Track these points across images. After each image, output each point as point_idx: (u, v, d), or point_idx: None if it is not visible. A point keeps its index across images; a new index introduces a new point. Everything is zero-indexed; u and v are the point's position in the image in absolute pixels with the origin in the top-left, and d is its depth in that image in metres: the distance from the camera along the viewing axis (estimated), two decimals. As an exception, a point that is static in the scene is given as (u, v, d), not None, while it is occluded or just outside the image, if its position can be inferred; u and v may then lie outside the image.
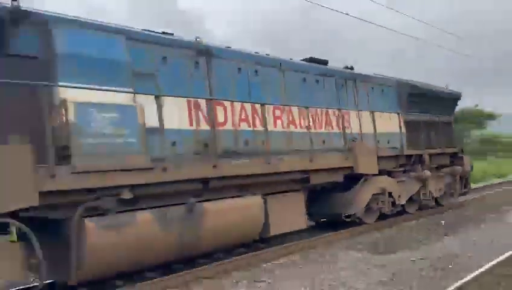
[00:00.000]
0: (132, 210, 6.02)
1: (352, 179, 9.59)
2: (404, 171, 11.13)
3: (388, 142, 10.70)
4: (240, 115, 7.57)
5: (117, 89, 5.92)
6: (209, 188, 6.94)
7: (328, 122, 9.24)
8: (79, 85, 5.56)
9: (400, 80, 11.81)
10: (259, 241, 8.33)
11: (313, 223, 10.21)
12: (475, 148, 32.12)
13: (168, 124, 6.42)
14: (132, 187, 5.87)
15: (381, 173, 10.13)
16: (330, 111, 9.30)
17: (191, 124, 6.82)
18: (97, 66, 5.81)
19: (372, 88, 10.80)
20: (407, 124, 11.42)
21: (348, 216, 9.64)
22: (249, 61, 8.04)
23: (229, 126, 7.35)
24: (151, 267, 6.47)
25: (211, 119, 7.02)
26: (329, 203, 9.70)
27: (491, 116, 39.35)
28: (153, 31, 7.02)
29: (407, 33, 17.49)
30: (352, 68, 10.73)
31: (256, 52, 8.55)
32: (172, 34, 7.33)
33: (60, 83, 5.47)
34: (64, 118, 5.33)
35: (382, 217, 10.39)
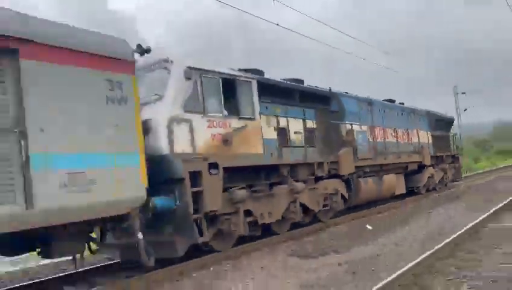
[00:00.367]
0: (368, 176, 13.60)
1: (420, 167, 17.80)
2: (433, 165, 19.33)
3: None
4: (381, 133, 15.40)
5: (359, 123, 13.64)
6: (382, 169, 14.75)
7: (405, 136, 17.17)
8: (353, 123, 13.22)
9: (428, 111, 20.11)
10: (393, 198, 15.53)
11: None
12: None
13: (372, 139, 14.16)
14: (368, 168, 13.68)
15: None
16: (406, 130, 17.18)
17: (371, 139, 14.49)
18: (356, 114, 13.53)
19: (418, 116, 18.84)
20: (433, 137, 19.72)
21: (418, 188, 17.77)
22: (381, 105, 15.80)
23: (380, 139, 15.13)
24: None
25: (373, 136, 14.71)
26: (411, 180, 17.62)
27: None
28: (361, 97, 14.57)
29: (339, 46, 19.48)
30: (393, 101, 18.10)
31: (384, 100, 16.50)
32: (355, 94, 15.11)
33: (347, 122, 13.04)
34: (351, 136, 12.94)
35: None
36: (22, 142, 5.22)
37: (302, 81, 12.02)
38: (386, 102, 16.66)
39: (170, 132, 7.46)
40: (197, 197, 7.64)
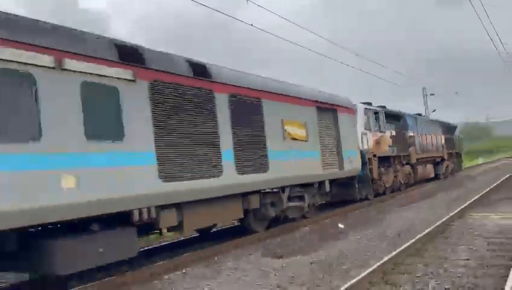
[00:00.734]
0: (419, 165, 22.30)
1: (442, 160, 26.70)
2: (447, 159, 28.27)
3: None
4: (423, 137, 24.02)
5: (414, 131, 22.43)
6: (424, 160, 23.44)
7: (433, 139, 25.70)
8: (411, 131, 21.91)
9: (440, 121, 29.26)
10: (427, 180, 23.91)
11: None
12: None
13: (420, 141, 22.89)
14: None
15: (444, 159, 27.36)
16: (433, 135, 25.85)
17: (420, 141, 23.08)
18: (412, 126, 22.53)
19: (436, 124, 27.72)
20: (445, 139, 28.40)
21: (439, 174, 26.39)
22: (420, 119, 24.67)
23: (423, 141, 23.76)
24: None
25: (420, 139, 23.32)
26: (436, 169, 26.14)
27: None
28: (412, 114, 23.50)
29: (310, 47, 18.18)
30: (420, 114, 27.49)
31: (416, 114, 25.21)
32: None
33: (409, 131, 21.62)
34: (412, 140, 21.52)
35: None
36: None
37: (384, 107, 20.34)
38: (420, 116, 25.65)
39: (361, 140, 15.97)
40: (370, 170, 16.18)
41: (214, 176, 8.42)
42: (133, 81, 7.10)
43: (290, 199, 11.20)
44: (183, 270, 7.59)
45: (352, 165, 13.98)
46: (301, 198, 11.75)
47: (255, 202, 9.90)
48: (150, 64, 7.46)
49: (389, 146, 18.27)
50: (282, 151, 10.59)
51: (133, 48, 7.42)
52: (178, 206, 7.85)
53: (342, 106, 13.88)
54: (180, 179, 7.67)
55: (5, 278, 7.79)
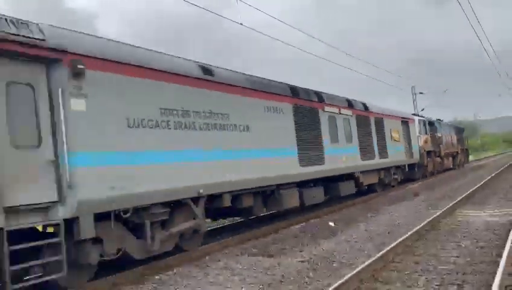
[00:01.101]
0: (444, 157, 30.61)
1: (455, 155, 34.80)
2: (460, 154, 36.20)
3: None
4: (445, 137, 31.63)
5: (440, 133, 30.55)
6: (447, 154, 31.62)
7: (451, 138, 33.54)
8: (439, 133, 29.94)
9: (454, 125, 38.30)
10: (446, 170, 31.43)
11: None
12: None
13: (444, 140, 30.92)
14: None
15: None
16: (450, 135, 33.52)
17: (444, 140, 30.96)
18: (439, 129, 30.56)
19: (451, 127, 35.62)
20: (457, 139, 35.89)
21: (454, 165, 34.18)
22: (442, 123, 32.67)
23: (445, 140, 31.55)
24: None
25: (443, 138, 30.79)
26: (453, 161, 34.13)
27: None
28: (437, 120, 31.35)
29: (303, 47, 18.22)
30: (441, 120, 34.77)
31: (437, 119, 32.66)
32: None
33: (437, 133, 29.60)
34: (440, 140, 29.45)
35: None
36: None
37: (423, 116, 28.49)
38: (441, 121, 32.96)
39: (417, 140, 23.97)
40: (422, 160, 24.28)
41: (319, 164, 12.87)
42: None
43: (394, 174, 19.85)
44: (174, 271, 7.56)
45: (415, 156, 22.47)
46: (395, 174, 20.05)
47: (382, 176, 18.48)
48: (294, 95, 12.18)
49: (430, 144, 26.66)
50: (391, 146, 18.84)
51: (292, 87, 12.35)
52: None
53: (409, 119, 22.60)
54: (306, 166, 12.06)
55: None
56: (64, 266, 5.86)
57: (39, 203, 5.89)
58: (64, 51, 6.30)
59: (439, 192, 17.44)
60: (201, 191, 8.29)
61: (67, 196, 6.09)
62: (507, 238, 7.71)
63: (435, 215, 10.58)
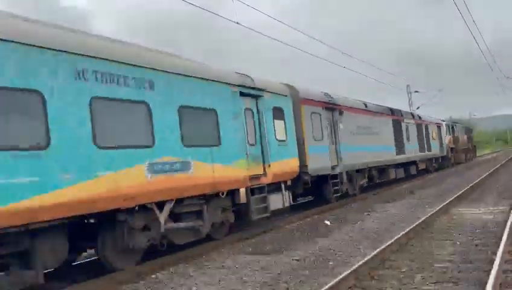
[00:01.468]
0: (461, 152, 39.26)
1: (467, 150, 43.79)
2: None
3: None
4: (461, 137, 40.19)
5: (456, 134, 38.47)
6: (462, 149, 40.27)
7: (465, 137, 41.18)
8: (455, 133, 38.27)
9: (465, 126, 45.69)
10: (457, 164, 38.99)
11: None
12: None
13: (460, 139, 39.16)
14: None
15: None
16: (463, 135, 41.50)
17: (460, 139, 38.98)
18: (453, 130, 38.58)
19: (464, 127, 43.63)
20: (467, 137, 43.93)
21: (466, 159, 42.22)
22: (457, 124, 40.18)
23: (461, 139, 39.89)
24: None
25: (460, 138, 38.57)
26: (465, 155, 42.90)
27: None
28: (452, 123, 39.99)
29: (294, 44, 18.88)
30: (456, 122, 43.17)
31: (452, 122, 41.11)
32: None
33: (456, 134, 38.03)
34: (457, 139, 37.68)
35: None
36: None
37: (444, 120, 36.46)
38: (457, 124, 40.08)
39: (444, 139, 32.84)
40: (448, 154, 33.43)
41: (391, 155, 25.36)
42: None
43: (434, 161, 28.87)
44: (171, 270, 7.57)
45: (444, 151, 31.43)
46: (434, 162, 29.15)
47: (428, 163, 27.49)
48: (392, 113, 24.67)
49: (452, 142, 34.72)
50: (432, 144, 27.90)
51: (391, 108, 23.38)
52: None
53: (440, 124, 31.59)
54: (397, 155, 21.90)
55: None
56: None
57: (329, 168, 14.30)
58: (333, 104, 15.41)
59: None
60: (368, 165, 17.47)
61: (339, 164, 14.93)
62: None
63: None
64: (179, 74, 8.45)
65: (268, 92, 11.15)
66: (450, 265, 6.54)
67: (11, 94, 5.72)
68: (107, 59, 7.06)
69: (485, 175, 21.58)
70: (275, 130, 11.19)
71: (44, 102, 6.05)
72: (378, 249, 7.22)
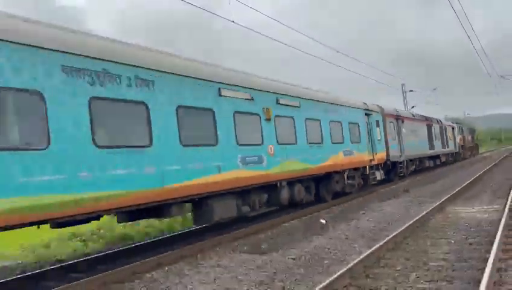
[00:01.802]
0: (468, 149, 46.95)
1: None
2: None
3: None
4: (466, 137, 47.84)
5: (465, 134, 46.35)
6: (467, 148, 47.99)
7: (469, 137, 48.55)
8: (463, 135, 46.30)
9: (469, 127, 53.29)
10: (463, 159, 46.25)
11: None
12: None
13: (466, 139, 46.79)
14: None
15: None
16: (469, 135, 49.04)
17: (468, 139, 47.02)
18: (462, 131, 46.57)
19: (469, 128, 51.26)
20: (471, 137, 51.78)
21: (471, 155, 50.23)
22: (463, 126, 48.22)
23: (467, 138, 47.59)
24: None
25: (467, 138, 46.65)
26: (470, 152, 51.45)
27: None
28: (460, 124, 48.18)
29: (294, 45, 22.39)
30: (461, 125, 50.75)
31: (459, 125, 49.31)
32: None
33: (464, 134, 45.68)
34: (464, 138, 45.38)
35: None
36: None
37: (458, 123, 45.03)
38: (463, 126, 47.48)
39: (456, 138, 40.80)
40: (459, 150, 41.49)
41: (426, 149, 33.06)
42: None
43: (451, 156, 36.93)
44: (166, 268, 7.61)
45: (457, 147, 38.97)
46: (451, 156, 36.85)
47: (447, 157, 35.28)
48: (426, 120, 31.39)
49: (461, 141, 41.87)
50: (449, 142, 35.88)
51: (425, 116, 30.51)
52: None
53: (453, 125, 38.64)
54: (430, 150, 29.77)
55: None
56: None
57: (398, 157, 21.82)
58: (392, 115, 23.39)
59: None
60: (415, 156, 25.18)
61: (402, 154, 22.63)
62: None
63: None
64: (344, 106, 16.20)
65: (373, 111, 19.10)
66: (444, 263, 6.58)
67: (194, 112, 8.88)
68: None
69: (483, 171, 24.33)
70: (376, 133, 19.00)
71: (214, 114, 9.40)
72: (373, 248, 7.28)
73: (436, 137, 30.55)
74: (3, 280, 7.51)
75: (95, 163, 6.70)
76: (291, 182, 12.23)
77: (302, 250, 8.28)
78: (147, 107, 7.71)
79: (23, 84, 5.99)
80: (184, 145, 8.33)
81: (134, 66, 7.62)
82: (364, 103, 18.54)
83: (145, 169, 7.46)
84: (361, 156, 16.79)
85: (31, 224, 6.11)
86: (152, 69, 7.97)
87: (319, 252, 8.07)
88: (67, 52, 6.59)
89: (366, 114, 18.06)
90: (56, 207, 6.13)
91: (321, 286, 5.39)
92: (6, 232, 6.00)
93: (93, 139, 6.72)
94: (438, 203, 12.12)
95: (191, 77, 8.84)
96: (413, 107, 42.31)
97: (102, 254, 9.27)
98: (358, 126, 16.89)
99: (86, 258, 8.91)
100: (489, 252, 6.57)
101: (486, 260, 6.12)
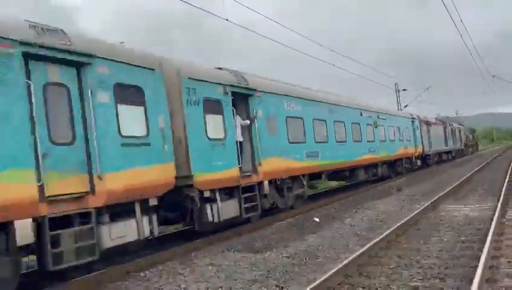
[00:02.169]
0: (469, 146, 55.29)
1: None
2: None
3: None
4: (467, 136, 55.46)
5: (467, 133, 54.16)
6: (468, 145, 55.57)
7: (470, 136, 56.49)
8: (467, 134, 54.41)
9: (470, 127, 61.38)
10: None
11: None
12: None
13: (467, 137, 54.95)
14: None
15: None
16: (471, 134, 57.03)
17: (470, 137, 54.64)
18: (467, 129, 54.75)
19: (470, 128, 60.18)
20: (472, 136, 59.34)
21: (472, 152, 58.20)
22: (466, 127, 56.50)
23: (470, 137, 55.29)
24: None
25: (471, 136, 54.15)
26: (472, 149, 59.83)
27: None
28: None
29: (287, 43, 18.09)
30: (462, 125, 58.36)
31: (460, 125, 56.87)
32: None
33: (467, 134, 53.15)
34: (466, 137, 53.09)
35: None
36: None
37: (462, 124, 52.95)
38: (464, 126, 54.51)
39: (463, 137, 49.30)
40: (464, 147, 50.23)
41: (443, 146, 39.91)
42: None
43: (459, 151, 44.69)
44: (159, 267, 7.62)
45: (463, 144, 46.95)
46: (459, 152, 44.41)
47: (456, 152, 43.63)
48: (442, 123, 40.12)
49: (465, 139, 49.21)
50: (457, 140, 43.56)
51: (441, 120, 39.87)
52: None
53: (460, 127, 46.55)
54: (445, 146, 37.68)
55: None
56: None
57: (428, 150, 30.63)
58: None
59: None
60: (437, 151, 33.77)
61: (430, 149, 32.03)
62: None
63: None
64: (400, 116, 25.82)
65: (415, 119, 27.75)
66: (437, 261, 6.62)
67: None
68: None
69: (477, 168, 26.04)
70: (418, 134, 27.68)
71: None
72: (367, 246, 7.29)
73: (449, 137, 38.70)
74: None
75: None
76: (383, 163, 21.19)
77: (296, 248, 8.31)
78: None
79: (293, 113, 13.48)
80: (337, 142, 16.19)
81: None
82: (410, 114, 28.22)
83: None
84: (411, 149, 25.98)
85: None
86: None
87: (313, 250, 8.11)
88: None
89: (412, 121, 27.16)
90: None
91: (315, 283, 5.40)
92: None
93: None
94: (434, 199, 12.26)
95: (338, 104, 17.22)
96: (406, 106, 43.17)
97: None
98: (409, 130, 25.99)
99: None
100: (481, 250, 6.61)
101: (479, 257, 6.15)
